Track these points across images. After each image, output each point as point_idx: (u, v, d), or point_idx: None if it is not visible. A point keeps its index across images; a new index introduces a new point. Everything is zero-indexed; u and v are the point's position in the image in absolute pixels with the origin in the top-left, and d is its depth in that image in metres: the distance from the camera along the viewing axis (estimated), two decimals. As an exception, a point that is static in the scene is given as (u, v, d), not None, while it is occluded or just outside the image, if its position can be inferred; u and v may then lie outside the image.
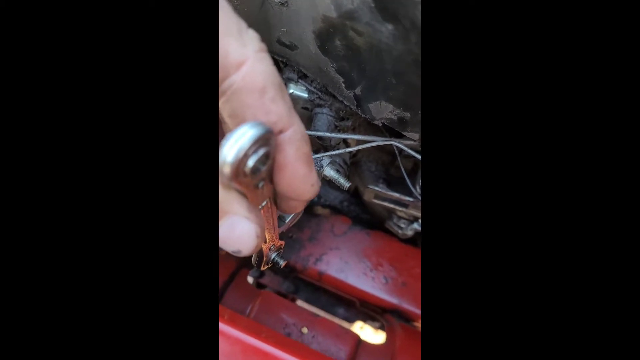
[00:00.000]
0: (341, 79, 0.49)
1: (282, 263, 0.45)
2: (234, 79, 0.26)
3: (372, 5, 0.37)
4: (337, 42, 0.43)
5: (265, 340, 0.43)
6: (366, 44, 0.41)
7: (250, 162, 0.25)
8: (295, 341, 0.59)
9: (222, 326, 0.46)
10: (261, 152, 0.25)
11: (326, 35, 0.44)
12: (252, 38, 0.27)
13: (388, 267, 0.86)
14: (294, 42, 0.50)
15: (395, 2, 0.36)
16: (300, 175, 0.29)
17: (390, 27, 0.38)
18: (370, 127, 0.71)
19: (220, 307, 0.57)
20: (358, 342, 0.65)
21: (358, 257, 0.86)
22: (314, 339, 0.63)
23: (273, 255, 0.44)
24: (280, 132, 0.28)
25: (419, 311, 0.82)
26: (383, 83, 0.45)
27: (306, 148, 0.29)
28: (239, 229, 0.28)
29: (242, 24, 0.27)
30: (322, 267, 0.86)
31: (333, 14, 0.40)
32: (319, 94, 0.59)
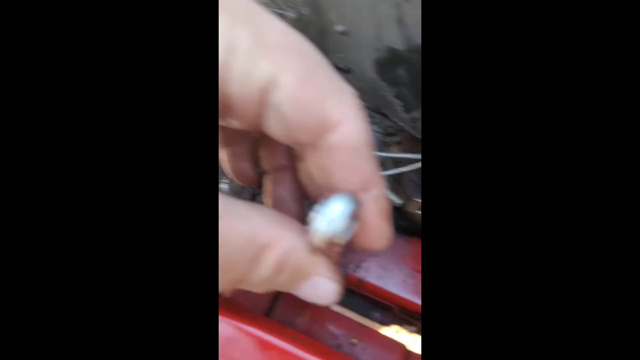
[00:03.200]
0: (399, 103, 0.49)
1: None
2: (333, 137, 0.27)
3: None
4: (401, 71, 0.44)
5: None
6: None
7: (341, 235, 0.28)
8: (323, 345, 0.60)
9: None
10: (350, 226, 0.28)
11: (389, 64, 0.44)
12: (350, 95, 0.27)
13: (427, 274, 0.86)
14: (350, 66, 0.50)
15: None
16: (379, 232, 0.31)
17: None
18: (414, 140, 0.72)
19: (263, 318, 0.59)
20: (407, 354, 0.67)
21: (397, 264, 0.87)
22: (364, 351, 0.65)
23: None
24: (366, 190, 0.28)
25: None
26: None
27: (387, 205, 0.30)
28: (323, 288, 0.32)
29: (343, 84, 0.27)
30: (361, 274, 0.87)
31: (400, 47, 0.41)
32: (370, 112, 0.59)
